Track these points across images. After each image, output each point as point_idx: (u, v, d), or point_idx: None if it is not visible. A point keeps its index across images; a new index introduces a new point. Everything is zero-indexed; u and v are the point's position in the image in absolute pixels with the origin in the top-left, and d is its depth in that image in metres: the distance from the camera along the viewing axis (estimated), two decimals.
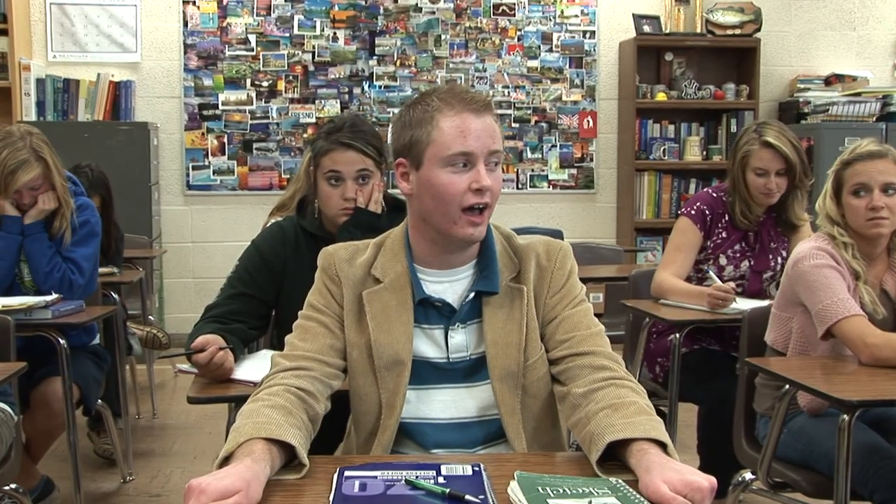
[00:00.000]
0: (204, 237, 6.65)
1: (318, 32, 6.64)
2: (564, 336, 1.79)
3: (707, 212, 3.48)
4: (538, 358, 1.80)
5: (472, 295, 1.80)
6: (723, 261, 3.47)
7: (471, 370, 1.81)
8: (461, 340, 1.80)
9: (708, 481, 1.37)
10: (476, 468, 1.49)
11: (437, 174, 1.72)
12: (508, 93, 6.83)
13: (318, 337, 1.79)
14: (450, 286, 1.82)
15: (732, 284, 3.27)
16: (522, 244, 1.87)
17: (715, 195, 3.53)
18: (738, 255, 3.47)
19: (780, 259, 3.50)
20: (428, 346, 1.80)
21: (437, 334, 1.81)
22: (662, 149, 6.82)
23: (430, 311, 1.81)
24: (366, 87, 6.70)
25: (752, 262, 3.48)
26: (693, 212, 3.49)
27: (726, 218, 3.48)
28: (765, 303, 3.13)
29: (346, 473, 1.47)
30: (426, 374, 1.79)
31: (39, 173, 3.27)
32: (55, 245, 3.38)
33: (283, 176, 6.62)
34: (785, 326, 2.72)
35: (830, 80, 6.96)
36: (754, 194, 3.40)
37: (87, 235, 3.49)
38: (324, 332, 1.79)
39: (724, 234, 3.47)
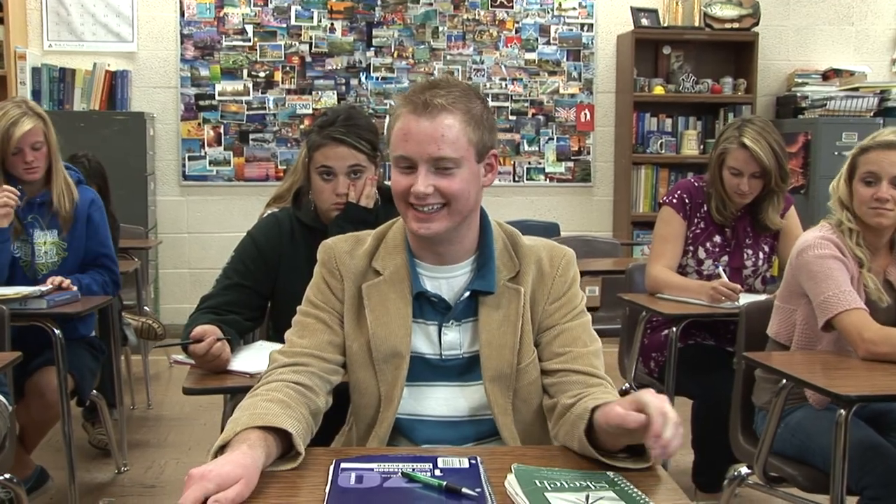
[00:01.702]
0: (200, 228, 6.64)
1: (315, 23, 6.62)
2: (561, 349, 1.78)
3: (687, 200, 3.47)
4: (530, 362, 1.79)
5: (467, 293, 1.79)
6: (702, 254, 3.47)
7: (464, 369, 1.79)
8: (454, 338, 1.79)
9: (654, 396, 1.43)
10: (472, 461, 1.49)
11: (392, 171, 1.73)
12: (506, 85, 6.82)
13: (316, 333, 1.78)
14: (446, 282, 1.80)
15: (739, 286, 3.26)
16: (525, 245, 1.84)
17: (697, 184, 3.52)
18: (716, 249, 3.46)
19: (761, 255, 3.49)
20: (423, 341, 1.79)
21: (432, 330, 1.80)
22: (660, 142, 6.82)
23: (426, 307, 1.80)
24: (363, 79, 6.69)
25: (729, 259, 3.47)
26: (675, 200, 3.48)
27: (705, 208, 3.47)
28: (762, 297, 3.12)
29: (343, 465, 1.46)
30: (420, 370, 1.78)
31: (38, 127, 3.30)
32: (65, 233, 3.42)
33: (279, 167, 6.61)
34: (788, 318, 2.72)
35: (828, 75, 6.95)
36: (728, 192, 3.39)
37: (107, 226, 3.62)
38: (322, 329, 1.78)
39: (702, 225, 3.47)
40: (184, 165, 6.59)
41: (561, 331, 1.79)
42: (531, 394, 1.78)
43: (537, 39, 6.84)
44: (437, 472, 1.43)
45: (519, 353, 1.77)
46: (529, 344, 1.78)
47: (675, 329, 3.27)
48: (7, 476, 2.69)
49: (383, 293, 1.78)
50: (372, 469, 1.45)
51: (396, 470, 1.44)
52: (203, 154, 6.60)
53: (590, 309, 1.88)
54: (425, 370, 1.78)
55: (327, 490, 1.37)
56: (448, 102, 1.68)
